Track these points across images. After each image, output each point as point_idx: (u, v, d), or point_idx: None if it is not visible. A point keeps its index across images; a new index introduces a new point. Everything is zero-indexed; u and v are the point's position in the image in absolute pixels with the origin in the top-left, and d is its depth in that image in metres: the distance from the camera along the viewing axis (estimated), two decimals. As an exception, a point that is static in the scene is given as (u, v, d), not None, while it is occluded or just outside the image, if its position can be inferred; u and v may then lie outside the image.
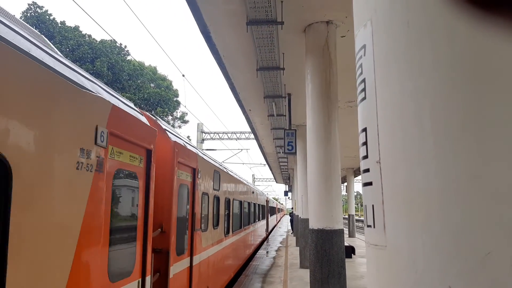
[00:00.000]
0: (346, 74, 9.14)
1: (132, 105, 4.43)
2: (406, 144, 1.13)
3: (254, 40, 7.53)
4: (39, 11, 27.54)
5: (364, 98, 1.32)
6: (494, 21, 0.97)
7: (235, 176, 12.29)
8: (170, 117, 34.81)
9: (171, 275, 5.11)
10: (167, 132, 5.47)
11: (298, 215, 16.88)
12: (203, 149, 25.22)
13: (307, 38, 7.62)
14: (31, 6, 27.49)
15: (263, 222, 22.26)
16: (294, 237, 23.95)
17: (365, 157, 1.30)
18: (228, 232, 10.30)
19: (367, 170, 1.29)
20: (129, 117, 3.85)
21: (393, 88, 1.18)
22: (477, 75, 1.04)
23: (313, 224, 6.51)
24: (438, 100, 1.07)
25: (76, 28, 29.17)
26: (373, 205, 1.25)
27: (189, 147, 6.55)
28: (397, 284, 1.13)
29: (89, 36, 29.31)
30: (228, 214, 10.46)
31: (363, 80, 1.33)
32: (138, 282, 4.01)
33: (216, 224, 8.57)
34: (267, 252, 19.28)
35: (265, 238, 25.58)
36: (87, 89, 3.12)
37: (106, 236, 3.29)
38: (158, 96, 31.73)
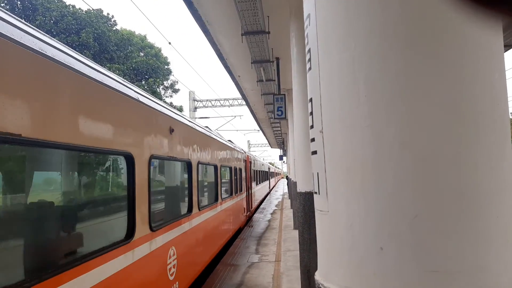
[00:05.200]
0: (332, 36, 8.97)
1: (242, 148, 16.64)
2: (344, 114, 1.16)
3: (237, 4, 7.33)
4: (17, -18, 26.36)
5: (310, 68, 1.34)
6: None
7: (259, 159, 29.16)
8: (161, 87, 34.29)
9: (251, 192, 18.16)
10: (245, 151, 16.59)
11: (291, 179, 17.17)
12: (195, 118, 25.37)
13: (291, 0, 7.43)
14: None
15: (268, 181, 35.83)
16: (289, 200, 24.48)
17: (312, 126, 1.34)
18: (258, 183, 23.43)
19: (313, 140, 1.33)
20: (244, 154, 16.03)
21: (332, 58, 1.20)
22: (408, 46, 1.06)
23: (301, 187, 6.65)
24: (372, 70, 1.09)
25: (60, -1, 28.11)
26: (318, 173, 1.30)
27: (248, 153, 18.25)
28: (336, 247, 1.20)
29: (73, 6, 28.30)
30: (257, 176, 23.27)
31: (309, 50, 1.34)
32: (247, 193, 16.56)
33: (254, 180, 20.88)
34: (264, 215, 19.77)
35: (270, 190, 42.00)
36: (241, 149, 15.71)
37: (249, 180, 17.81)
38: (146, 65, 31.12)
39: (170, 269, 5.35)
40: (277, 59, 11.69)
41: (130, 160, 4.16)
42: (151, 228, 4.59)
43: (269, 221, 17.26)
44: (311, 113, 1.34)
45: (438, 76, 1.03)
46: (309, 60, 1.34)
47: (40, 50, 2.73)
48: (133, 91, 4.54)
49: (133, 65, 30.39)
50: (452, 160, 1.03)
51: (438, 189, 1.03)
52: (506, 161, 1.10)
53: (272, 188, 48.65)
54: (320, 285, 1.23)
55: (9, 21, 2.62)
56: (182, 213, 6.40)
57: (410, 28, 1.05)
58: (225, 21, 8.99)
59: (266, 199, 31.87)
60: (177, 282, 5.65)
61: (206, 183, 8.66)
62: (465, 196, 1.03)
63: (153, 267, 4.72)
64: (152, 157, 4.75)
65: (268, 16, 8.54)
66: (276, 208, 23.66)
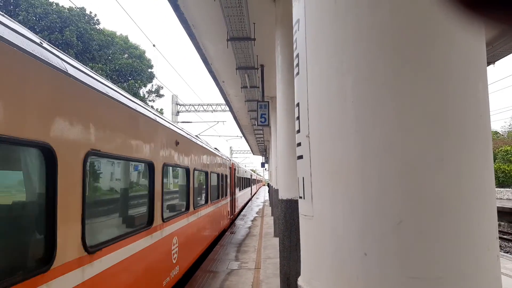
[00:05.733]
0: (317, 45, 9.08)
1: (227, 155, 18.16)
2: (331, 119, 1.16)
3: (223, 9, 7.35)
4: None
5: (298, 73, 1.34)
6: None
7: (244, 167, 32.37)
8: (144, 89, 33.89)
9: (234, 197, 19.66)
10: (230, 159, 18.83)
11: (272, 186, 17.22)
12: (177, 122, 25.22)
13: (277, 8, 7.49)
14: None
15: (250, 188, 38.31)
16: (270, 207, 24.48)
17: (298, 131, 1.34)
18: (241, 189, 25.10)
19: (299, 144, 1.33)
20: (229, 162, 17.76)
21: (321, 63, 1.20)
22: (396, 52, 1.07)
23: (282, 195, 6.65)
24: (359, 76, 1.10)
25: (44, -4, 27.58)
26: (303, 178, 1.29)
27: (233, 160, 20.87)
28: (320, 252, 1.19)
29: (57, 4, 27.82)
30: (240, 182, 24.92)
31: (298, 55, 1.34)
32: (231, 198, 17.96)
33: (238, 186, 22.26)
34: (244, 222, 19.66)
35: (252, 197, 44.11)
36: (227, 157, 17.10)
37: (233, 186, 19.40)
38: (130, 67, 30.75)
39: (173, 254, 6.82)
40: (262, 66, 11.75)
41: (151, 167, 5.60)
42: (162, 219, 5.99)
43: (249, 228, 17.19)
44: (298, 118, 1.34)
45: (424, 84, 1.04)
46: (297, 65, 1.35)
47: (124, 103, 4.50)
48: (152, 113, 5.85)
49: (117, 67, 29.97)
50: (435, 167, 1.04)
51: (422, 196, 1.04)
52: (488, 169, 1.12)
53: (254, 195, 51.68)
54: (303, 291, 1.23)
55: (106, 85, 4.17)
56: (182, 210, 7.79)
57: (398, 36, 1.06)
58: (211, 26, 8.99)
59: (247, 205, 32.42)
60: (177, 266, 7.09)
61: (199, 187, 10.03)
62: (448, 203, 1.04)
63: (163, 250, 6.15)
64: (164, 164, 6.20)
65: (254, 23, 8.58)
66: (257, 215, 23.60)
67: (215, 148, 14.23)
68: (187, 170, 8.22)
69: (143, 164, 5.55)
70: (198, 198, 9.77)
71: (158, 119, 6.04)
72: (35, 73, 2.82)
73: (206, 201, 10.79)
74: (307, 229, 1.29)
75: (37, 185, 2.94)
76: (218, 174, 13.36)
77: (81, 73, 3.61)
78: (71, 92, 3.35)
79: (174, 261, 6.82)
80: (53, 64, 3.04)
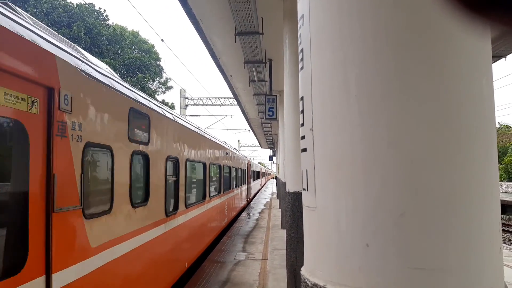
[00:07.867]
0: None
1: (242, 153, 27.24)
2: (334, 113, 1.18)
3: (231, 4, 7.34)
4: (8, -29, 25.92)
5: (302, 68, 1.36)
6: None
7: (255, 162, 38.60)
8: (152, 83, 34.02)
9: (250, 186, 26.63)
10: (247, 157, 25.97)
11: (280, 179, 17.26)
12: (186, 115, 25.41)
13: (285, 2, 7.46)
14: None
15: (260, 179, 46.95)
16: (278, 200, 24.58)
17: (302, 124, 1.36)
18: (254, 180, 32.00)
19: (303, 137, 1.35)
20: (246, 159, 25.03)
21: (324, 57, 1.22)
22: (399, 46, 1.09)
23: (289, 187, 6.69)
24: (363, 71, 1.12)
25: (51, -9, 27.74)
26: (307, 170, 1.32)
27: (249, 158, 28.44)
28: (323, 243, 1.22)
29: (64, -1, 28.02)
30: (253, 175, 31.13)
31: (302, 50, 1.36)
32: (248, 186, 25.31)
33: (252, 177, 29.32)
34: (252, 214, 19.78)
35: (261, 187, 51.86)
36: (245, 156, 25.65)
37: (249, 177, 26.91)
38: (138, 61, 30.89)
39: (225, 211, 13.58)
40: (270, 60, 11.73)
41: (220, 167, 12.31)
42: (223, 192, 12.85)
43: (257, 220, 17.29)
44: (302, 111, 1.36)
45: (428, 79, 1.06)
46: (302, 59, 1.36)
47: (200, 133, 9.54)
48: (220, 141, 13.22)
49: (125, 61, 30.13)
50: (438, 161, 1.06)
51: (424, 189, 1.06)
52: (491, 164, 1.13)
53: (263, 186, 60.94)
54: (306, 280, 1.26)
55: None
56: (227, 188, 14.20)
57: (402, 31, 1.07)
58: (219, 20, 8.99)
59: (255, 198, 34.41)
60: (226, 218, 13.79)
61: (232, 177, 16.41)
62: (450, 197, 1.06)
63: (223, 207, 12.94)
64: (223, 165, 13.07)
65: (262, 18, 8.55)
66: (264, 207, 23.71)
67: (235, 149, 19.80)
68: (229, 168, 14.97)
69: (217, 166, 11.80)
70: (233, 183, 16.47)
71: (222, 144, 12.88)
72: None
73: (236, 185, 17.83)
74: (310, 220, 1.32)
75: None
76: (241, 170, 20.45)
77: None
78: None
79: (225, 214, 13.56)
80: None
